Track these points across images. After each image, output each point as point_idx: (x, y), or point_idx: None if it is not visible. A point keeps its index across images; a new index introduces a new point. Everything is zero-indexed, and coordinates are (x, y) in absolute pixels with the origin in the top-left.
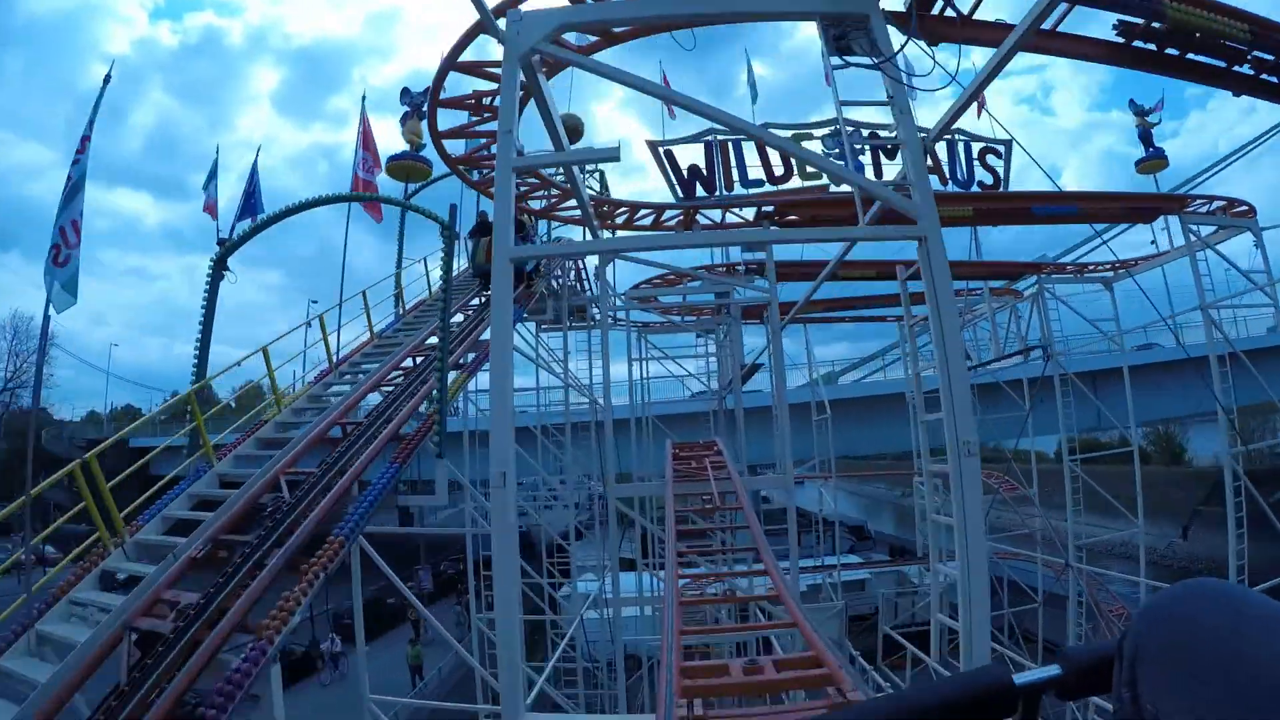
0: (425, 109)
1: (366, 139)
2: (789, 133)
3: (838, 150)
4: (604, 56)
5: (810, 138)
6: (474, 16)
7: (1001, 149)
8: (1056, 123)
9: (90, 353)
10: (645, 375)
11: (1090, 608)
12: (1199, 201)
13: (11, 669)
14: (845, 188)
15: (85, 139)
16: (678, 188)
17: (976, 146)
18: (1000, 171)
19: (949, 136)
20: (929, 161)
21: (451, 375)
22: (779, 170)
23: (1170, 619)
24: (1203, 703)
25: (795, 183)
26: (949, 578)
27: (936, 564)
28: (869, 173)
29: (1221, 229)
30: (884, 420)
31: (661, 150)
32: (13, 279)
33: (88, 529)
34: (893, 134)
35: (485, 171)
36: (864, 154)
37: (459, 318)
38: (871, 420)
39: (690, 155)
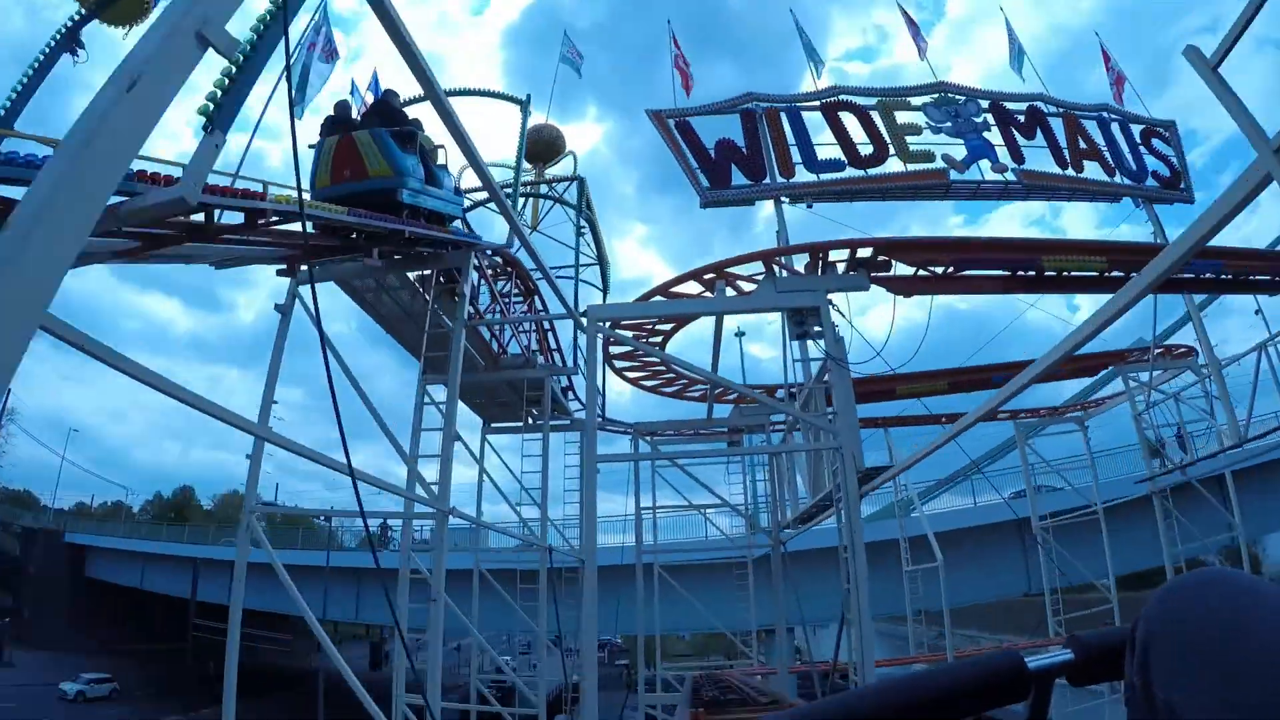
0: None
1: None
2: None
3: (949, 124)
4: None
5: (906, 106)
6: None
7: (1166, 131)
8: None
9: (105, 449)
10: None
11: None
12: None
13: None
14: None
15: None
16: (702, 174)
17: (1137, 128)
18: (1174, 161)
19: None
20: (1083, 144)
21: None
22: (866, 147)
23: (1183, 606)
24: (1215, 689)
25: (895, 165)
26: None
27: None
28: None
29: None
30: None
31: (673, 123)
32: (39, 366)
33: None
34: None
35: None
36: (990, 130)
37: None
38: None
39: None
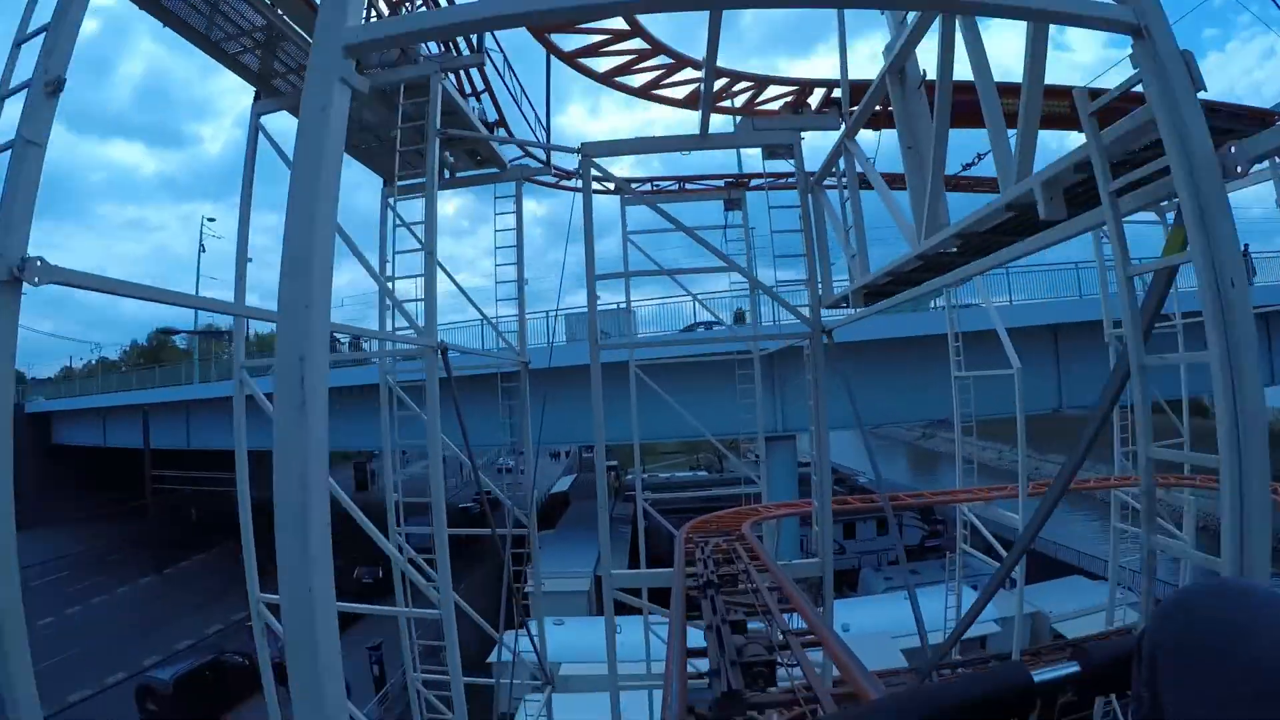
0: None
1: None
2: None
3: None
4: None
5: None
6: None
7: None
8: (1072, 57)
9: (92, 309)
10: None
11: None
12: None
13: None
14: None
15: None
16: None
17: None
18: None
19: None
20: None
21: None
22: None
23: (1190, 618)
24: (1222, 701)
25: None
26: None
27: None
28: None
29: None
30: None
31: None
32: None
33: None
34: None
35: None
36: None
37: None
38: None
39: None
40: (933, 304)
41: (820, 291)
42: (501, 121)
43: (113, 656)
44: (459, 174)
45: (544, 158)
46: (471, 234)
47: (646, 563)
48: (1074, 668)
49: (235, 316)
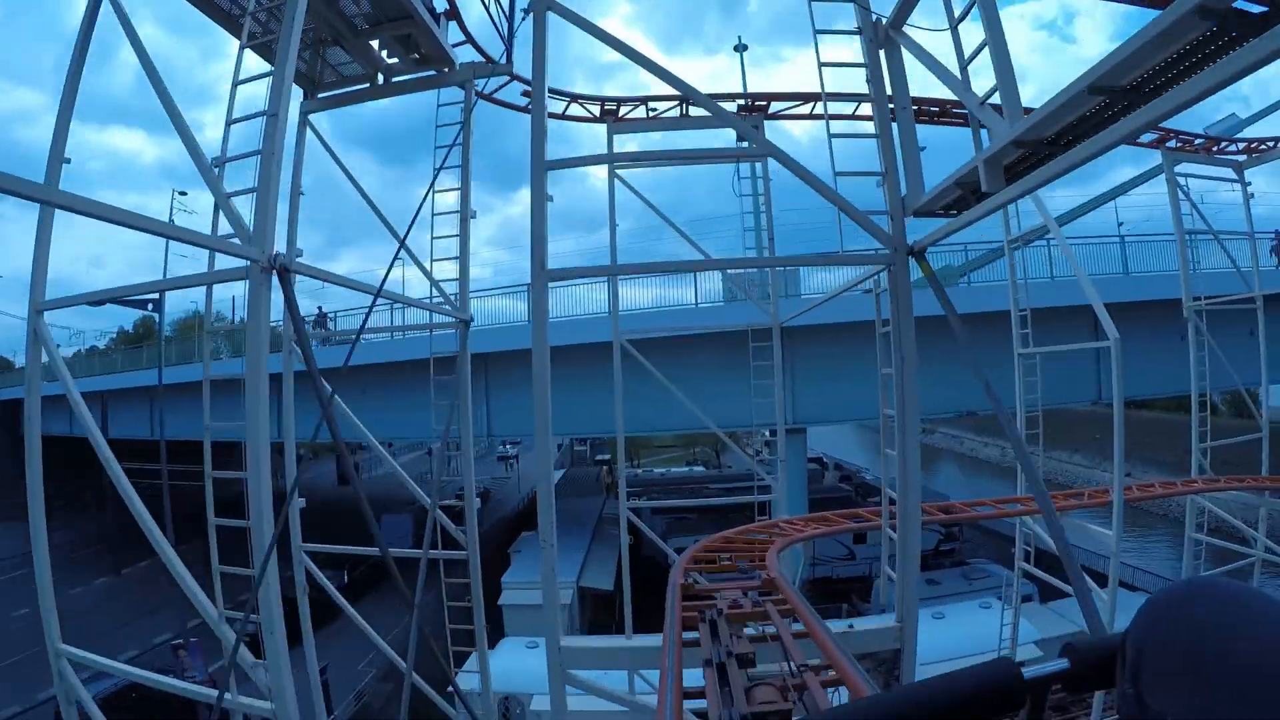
0: None
1: None
2: None
3: None
4: None
5: None
6: None
7: None
8: (1077, 50)
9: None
10: None
11: None
12: None
13: None
14: None
15: None
16: None
17: None
18: None
19: None
20: None
21: None
22: None
23: (1172, 616)
24: (1204, 698)
25: None
26: None
27: None
28: None
29: None
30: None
31: None
32: (12, 228)
33: None
34: None
35: None
36: None
37: None
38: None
39: None
40: (964, 280)
41: (904, 192)
42: (454, 13)
43: (48, 668)
44: (394, 79)
45: (503, 56)
46: (475, 224)
47: (631, 575)
48: (1064, 664)
49: (41, 205)
